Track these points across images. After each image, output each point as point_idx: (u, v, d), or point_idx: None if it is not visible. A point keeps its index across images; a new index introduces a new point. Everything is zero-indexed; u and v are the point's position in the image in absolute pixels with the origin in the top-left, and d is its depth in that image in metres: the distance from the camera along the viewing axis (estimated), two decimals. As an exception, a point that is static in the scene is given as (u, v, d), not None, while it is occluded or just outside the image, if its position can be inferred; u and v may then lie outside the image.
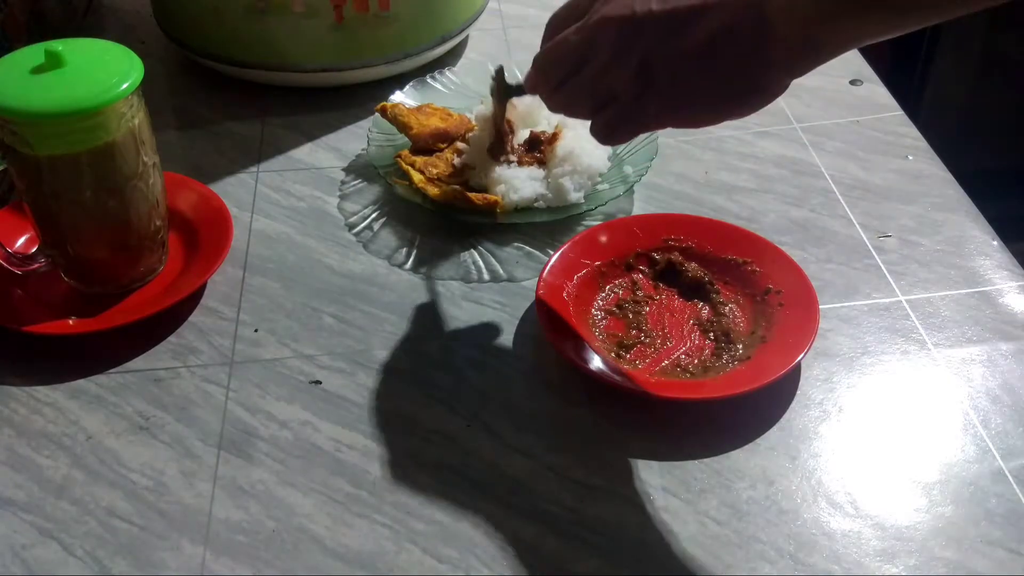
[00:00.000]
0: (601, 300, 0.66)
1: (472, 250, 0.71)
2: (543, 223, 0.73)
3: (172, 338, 0.65)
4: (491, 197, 0.72)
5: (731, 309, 0.65)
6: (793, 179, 0.78)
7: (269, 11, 0.81)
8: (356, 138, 0.83)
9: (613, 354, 0.62)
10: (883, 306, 0.67)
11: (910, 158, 0.80)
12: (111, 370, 0.63)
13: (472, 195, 0.72)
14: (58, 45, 0.60)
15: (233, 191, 0.77)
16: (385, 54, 0.85)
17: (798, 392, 0.61)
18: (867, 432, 0.59)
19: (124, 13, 1.00)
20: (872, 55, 0.94)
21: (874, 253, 0.71)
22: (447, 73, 0.85)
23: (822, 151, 0.80)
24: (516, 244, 0.72)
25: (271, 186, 0.78)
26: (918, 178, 0.78)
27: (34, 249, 0.67)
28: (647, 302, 0.66)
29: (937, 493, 0.55)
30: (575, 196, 0.73)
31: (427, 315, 0.66)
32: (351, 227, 0.74)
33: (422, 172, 0.75)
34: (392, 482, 0.56)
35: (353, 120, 0.85)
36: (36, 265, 0.66)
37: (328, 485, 0.56)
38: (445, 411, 0.60)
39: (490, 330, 0.65)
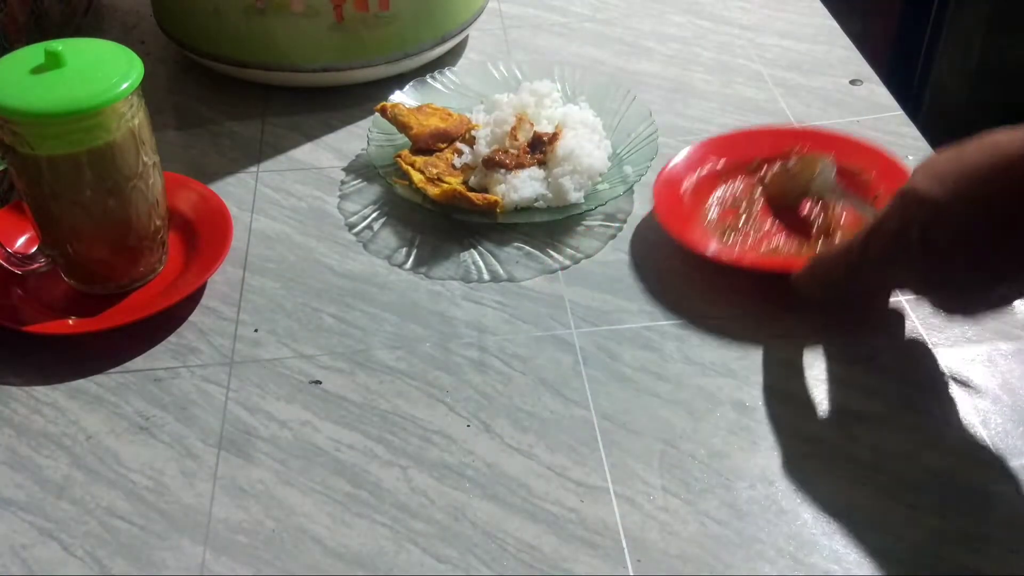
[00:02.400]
0: (718, 195, 0.72)
1: (472, 250, 0.71)
2: (543, 223, 0.73)
3: (172, 338, 0.65)
4: (491, 197, 0.71)
5: (838, 211, 0.68)
6: (793, 179, 0.78)
7: (269, 11, 0.81)
8: (356, 138, 0.83)
9: (719, 235, 0.68)
10: (883, 306, 0.67)
11: (910, 158, 0.80)
12: (111, 370, 0.63)
13: (472, 195, 0.71)
14: (58, 45, 0.60)
15: (233, 191, 0.77)
16: (385, 54, 0.85)
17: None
18: (867, 432, 0.59)
19: (124, 13, 1.00)
20: (872, 55, 0.94)
21: (874, 253, 0.71)
22: (447, 73, 0.85)
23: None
24: (516, 244, 0.72)
25: (271, 186, 0.78)
26: (918, 178, 0.78)
27: (34, 249, 0.67)
28: (761, 201, 0.70)
29: (936, 492, 0.55)
30: (575, 196, 0.72)
31: (427, 315, 0.66)
32: (351, 227, 0.73)
33: (422, 172, 0.74)
34: (392, 482, 0.56)
35: (353, 120, 0.85)
36: (36, 265, 0.66)
37: (328, 485, 0.56)
38: (445, 411, 0.60)
39: (490, 330, 0.65)
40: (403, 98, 0.82)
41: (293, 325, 0.66)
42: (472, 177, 0.75)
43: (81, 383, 0.62)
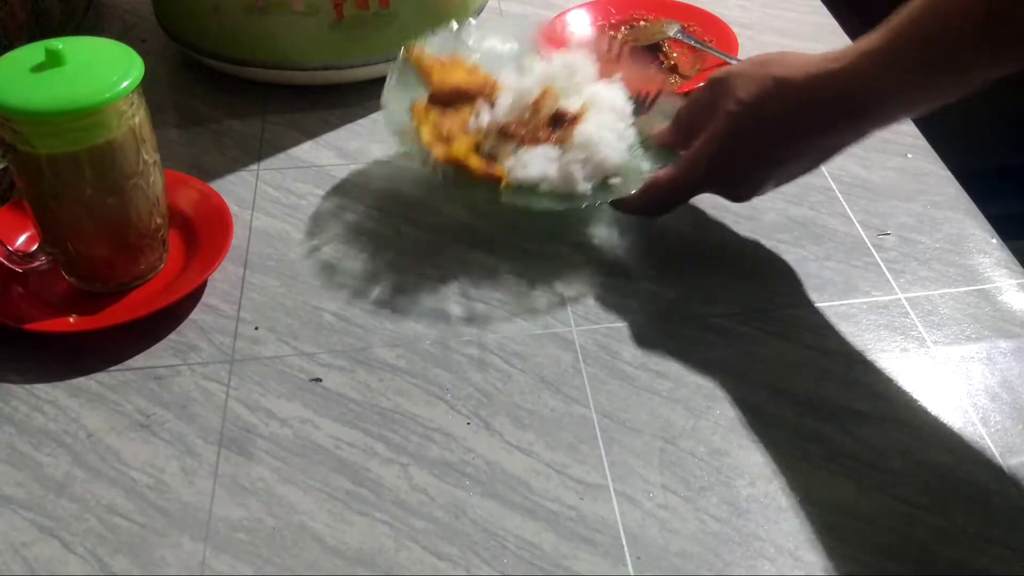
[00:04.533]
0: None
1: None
2: (543, 211, 0.69)
3: (172, 336, 0.65)
4: (497, 170, 0.68)
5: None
6: (793, 177, 0.78)
7: (269, 9, 0.81)
8: (356, 136, 0.83)
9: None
10: (882, 304, 0.67)
11: (909, 156, 0.80)
12: (112, 368, 0.63)
13: (476, 165, 0.68)
14: (58, 43, 0.60)
15: (233, 189, 0.77)
16: (385, 52, 0.85)
17: (798, 390, 0.61)
18: (867, 429, 0.59)
19: (124, 11, 1.00)
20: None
21: (873, 251, 0.71)
22: (473, 24, 0.80)
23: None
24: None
25: (271, 184, 0.78)
26: (917, 176, 0.78)
27: (35, 247, 0.67)
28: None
29: (936, 491, 0.55)
30: (583, 187, 0.69)
31: (427, 313, 0.67)
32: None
33: (434, 127, 0.70)
34: (392, 480, 0.56)
35: (353, 118, 0.85)
36: (37, 263, 0.66)
37: (328, 483, 0.56)
38: (445, 409, 0.60)
39: (491, 328, 0.65)
40: (431, 51, 0.77)
41: (293, 323, 0.66)
42: (485, 144, 0.71)
43: (82, 381, 0.62)
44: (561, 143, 0.70)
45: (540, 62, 0.76)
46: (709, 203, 0.75)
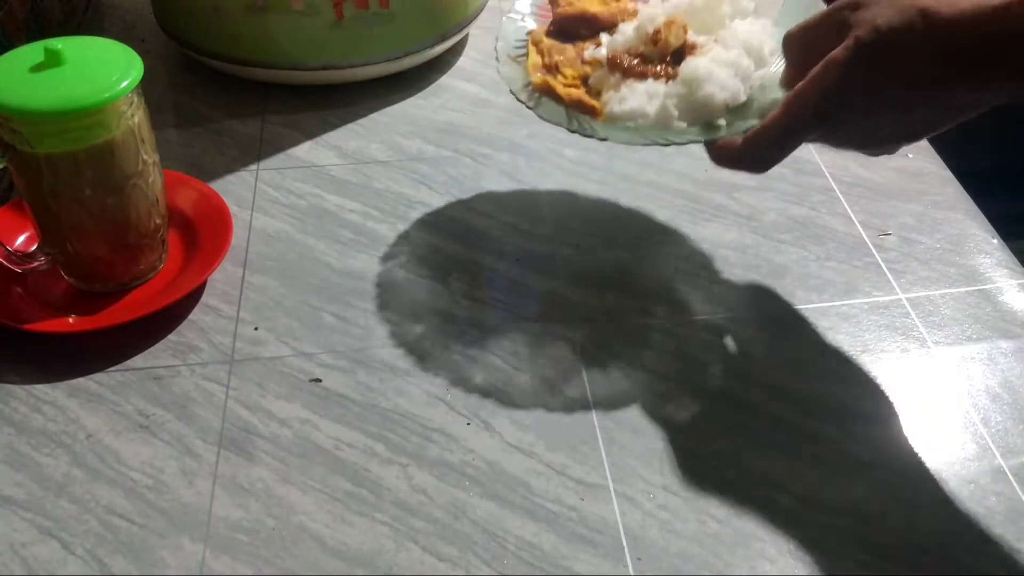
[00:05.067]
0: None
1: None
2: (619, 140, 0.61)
3: (172, 336, 0.65)
4: (588, 100, 0.62)
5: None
6: (793, 177, 0.78)
7: (269, 9, 0.81)
8: (356, 136, 0.83)
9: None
10: (883, 304, 0.67)
11: (910, 156, 0.80)
12: (111, 368, 0.63)
13: (564, 92, 0.62)
14: (58, 43, 0.60)
15: (233, 189, 0.77)
16: (385, 52, 0.85)
17: (798, 390, 0.61)
18: (867, 430, 0.59)
19: (124, 11, 1.00)
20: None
21: (874, 251, 0.71)
22: None
23: (822, 149, 0.80)
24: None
25: (271, 184, 0.78)
26: (918, 176, 0.78)
27: (34, 247, 0.67)
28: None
29: (936, 491, 0.55)
30: (678, 125, 0.61)
31: (427, 313, 0.66)
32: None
33: (543, 55, 0.65)
34: (392, 480, 0.56)
35: (353, 118, 0.85)
36: (36, 263, 0.66)
37: (328, 483, 0.56)
38: (445, 409, 0.60)
39: (491, 328, 0.65)
40: None
41: (293, 323, 0.66)
42: (593, 75, 0.65)
43: (81, 381, 0.62)
44: (673, 79, 0.62)
45: None
46: (708, 203, 0.75)
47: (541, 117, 0.62)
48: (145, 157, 0.64)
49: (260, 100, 0.87)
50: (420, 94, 0.88)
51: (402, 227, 0.74)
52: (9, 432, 0.59)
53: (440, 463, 0.57)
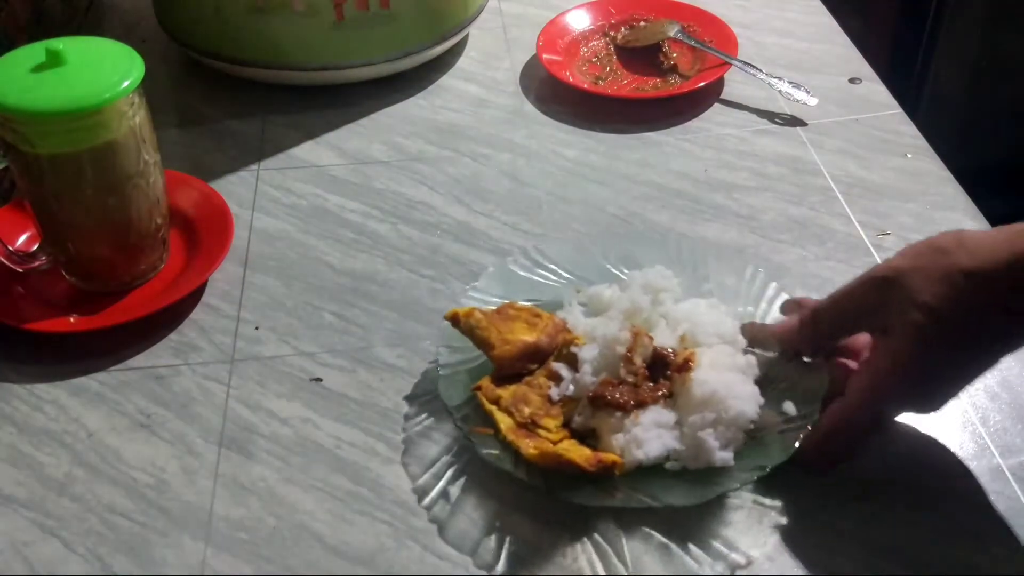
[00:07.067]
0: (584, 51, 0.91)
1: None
2: (675, 498, 0.53)
3: (173, 335, 0.65)
4: (607, 457, 0.53)
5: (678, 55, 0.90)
6: (792, 177, 0.78)
7: (270, 10, 0.82)
8: (356, 136, 0.83)
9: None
10: (882, 304, 0.67)
11: (909, 156, 0.80)
12: (112, 367, 0.63)
13: (580, 457, 0.52)
14: (59, 44, 0.61)
15: (234, 189, 0.77)
16: (385, 52, 0.85)
17: (797, 390, 0.61)
18: (866, 429, 0.59)
19: (125, 12, 1.00)
20: (871, 54, 0.94)
21: (873, 251, 0.71)
22: (531, 252, 0.66)
23: (821, 149, 0.81)
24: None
25: (272, 184, 0.78)
26: (917, 176, 0.78)
27: (35, 247, 0.67)
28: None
29: (936, 491, 0.55)
30: (721, 457, 0.53)
31: (427, 312, 0.67)
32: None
33: (511, 414, 0.56)
34: (392, 479, 0.56)
35: (353, 118, 0.85)
36: (37, 263, 0.66)
37: (329, 482, 0.56)
38: (446, 409, 0.60)
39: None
40: (481, 296, 0.63)
41: (294, 323, 0.66)
42: (576, 416, 0.56)
43: (82, 380, 0.62)
44: (670, 398, 0.56)
45: (610, 288, 0.62)
46: (708, 203, 0.75)
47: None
48: (146, 157, 0.64)
49: (261, 100, 0.87)
50: (420, 94, 0.88)
51: (402, 227, 0.74)
52: (11, 431, 0.59)
53: (440, 462, 0.57)
